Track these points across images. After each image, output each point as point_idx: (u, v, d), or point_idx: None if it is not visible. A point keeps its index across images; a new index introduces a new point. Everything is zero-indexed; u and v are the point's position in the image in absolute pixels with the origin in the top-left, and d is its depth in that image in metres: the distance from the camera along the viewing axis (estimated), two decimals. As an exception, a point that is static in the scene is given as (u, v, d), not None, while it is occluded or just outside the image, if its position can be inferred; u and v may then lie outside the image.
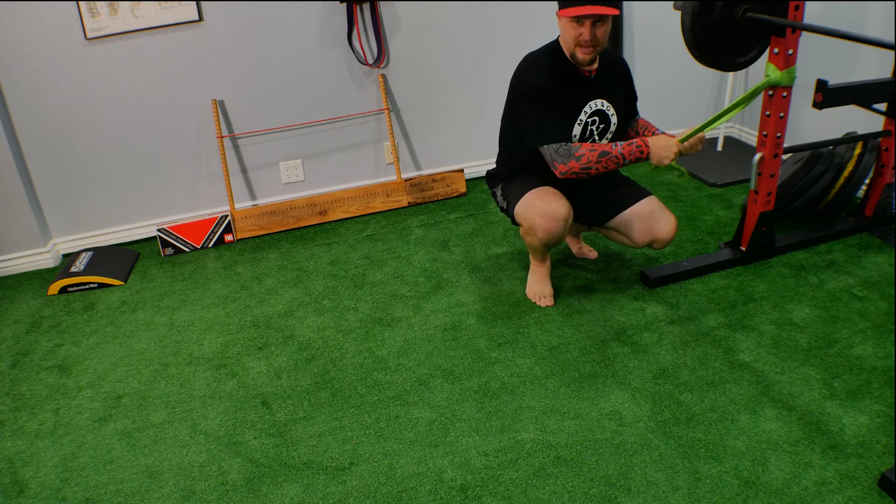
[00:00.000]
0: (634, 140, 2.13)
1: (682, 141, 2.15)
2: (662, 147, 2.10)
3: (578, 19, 2.06)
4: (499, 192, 2.43)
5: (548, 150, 2.16)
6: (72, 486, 1.84)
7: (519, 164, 2.35)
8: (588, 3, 2.01)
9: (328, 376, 2.19)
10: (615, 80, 2.30)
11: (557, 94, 2.16)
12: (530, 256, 2.47)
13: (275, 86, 3.10)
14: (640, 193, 2.38)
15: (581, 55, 2.13)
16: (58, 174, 2.99)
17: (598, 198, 2.39)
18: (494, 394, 2.06)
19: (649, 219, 2.32)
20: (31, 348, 2.46)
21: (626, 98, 2.36)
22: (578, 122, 2.22)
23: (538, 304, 2.46)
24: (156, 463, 1.90)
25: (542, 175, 2.29)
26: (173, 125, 3.05)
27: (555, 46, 2.21)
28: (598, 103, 2.24)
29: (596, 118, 2.26)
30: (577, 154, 2.11)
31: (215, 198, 3.23)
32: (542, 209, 2.19)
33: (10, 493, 1.82)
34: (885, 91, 2.39)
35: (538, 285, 2.48)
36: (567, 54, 2.18)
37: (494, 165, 2.51)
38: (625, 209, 2.36)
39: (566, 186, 2.28)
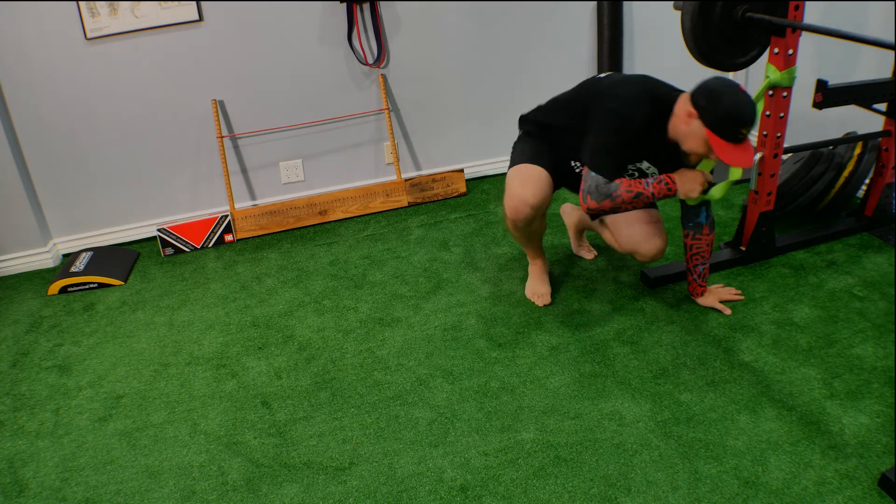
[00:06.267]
0: (663, 178, 2.08)
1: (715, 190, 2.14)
2: (689, 180, 2.07)
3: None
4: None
5: (592, 179, 2.04)
6: (72, 486, 1.84)
7: (549, 120, 2.24)
8: (747, 157, 1.92)
9: (328, 376, 2.19)
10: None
11: (638, 142, 2.09)
12: (525, 250, 2.46)
13: (275, 86, 3.10)
14: None
15: (694, 160, 2.11)
16: (58, 174, 2.99)
17: None
18: (494, 394, 2.06)
19: (639, 230, 2.27)
20: (31, 348, 2.46)
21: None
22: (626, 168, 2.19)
23: (536, 303, 2.46)
24: (156, 463, 1.90)
25: (549, 143, 2.25)
26: (173, 125, 3.05)
27: (667, 103, 2.04)
28: (646, 164, 2.21)
29: (636, 173, 2.23)
30: (615, 194, 2.03)
31: (215, 198, 3.24)
32: (515, 191, 2.18)
33: (10, 493, 1.82)
34: (885, 91, 2.39)
35: (535, 284, 2.48)
36: (675, 138, 2.05)
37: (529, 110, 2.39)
38: None
39: (564, 170, 2.26)
